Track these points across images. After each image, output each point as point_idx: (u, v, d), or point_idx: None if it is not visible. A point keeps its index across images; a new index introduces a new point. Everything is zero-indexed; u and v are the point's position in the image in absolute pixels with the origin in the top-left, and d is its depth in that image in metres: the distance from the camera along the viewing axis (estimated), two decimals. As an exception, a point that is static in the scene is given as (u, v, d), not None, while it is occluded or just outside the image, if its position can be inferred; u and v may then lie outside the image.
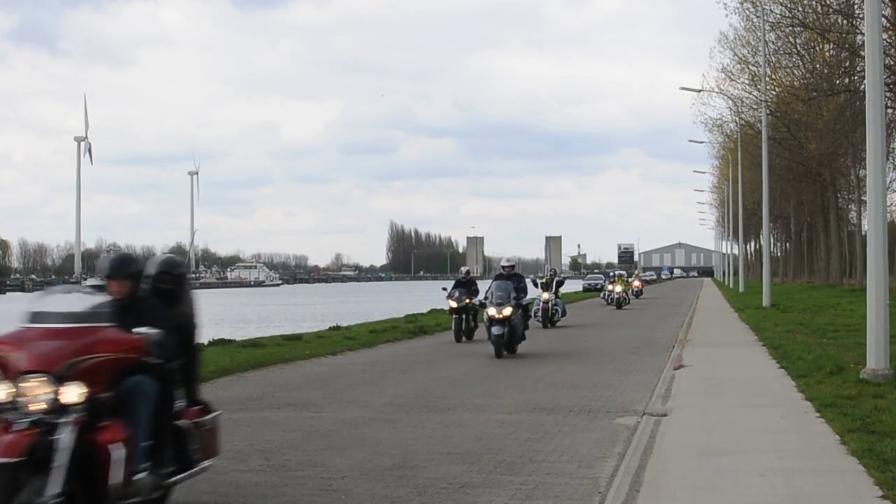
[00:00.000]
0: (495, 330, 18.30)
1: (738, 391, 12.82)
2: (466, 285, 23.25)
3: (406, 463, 8.62)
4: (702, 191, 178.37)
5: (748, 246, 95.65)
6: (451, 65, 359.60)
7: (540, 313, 27.87)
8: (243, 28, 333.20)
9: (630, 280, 61.33)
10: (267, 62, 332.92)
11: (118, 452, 5.60)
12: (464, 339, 22.64)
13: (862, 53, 21.05)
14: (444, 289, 23.95)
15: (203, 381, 14.69)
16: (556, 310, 28.46)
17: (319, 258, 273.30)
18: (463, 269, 25.22)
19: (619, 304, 40.36)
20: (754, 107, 44.76)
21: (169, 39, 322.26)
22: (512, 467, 8.39)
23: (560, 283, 29.67)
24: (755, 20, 38.65)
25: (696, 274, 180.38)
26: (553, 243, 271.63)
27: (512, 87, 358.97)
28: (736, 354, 18.27)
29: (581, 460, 8.67)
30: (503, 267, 20.88)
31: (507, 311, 18.41)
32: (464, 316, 22.74)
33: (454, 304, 22.79)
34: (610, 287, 43.27)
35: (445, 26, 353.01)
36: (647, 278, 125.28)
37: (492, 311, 18.44)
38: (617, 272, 53.54)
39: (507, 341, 18.45)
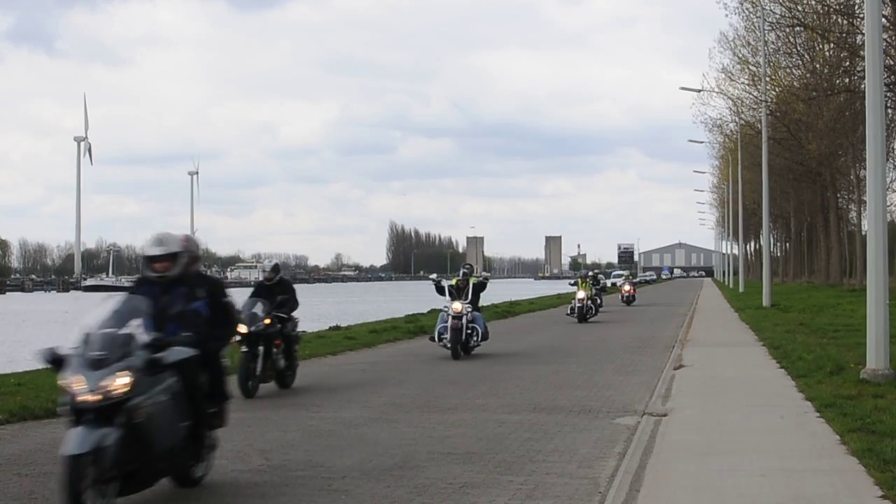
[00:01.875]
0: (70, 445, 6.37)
1: (738, 391, 12.82)
2: (272, 292, 14.03)
3: (406, 463, 8.62)
4: (702, 191, 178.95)
5: (748, 246, 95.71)
6: (448, 65, 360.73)
7: (448, 335, 18.40)
8: (240, 28, 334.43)
9: (620, 283, 52.28)
10: (264, 62, 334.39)
11: None
12: (272, 384, 13.80)
13: (862, 53, 21.06)
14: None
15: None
16: (474, 328, 18.80)
17: (319, 258, 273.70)
18: (266, 263, 14.50)
19: (583, 315, 30.95)
20: (754, 107, 44.80)
21: (166, 40, 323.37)
22: (512, 467, 8.39)
23: (480, 287, 19.54)
24: (755, 20, 38.68)
25: (696, 274, 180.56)
26: (553, 243, 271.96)
27: (509, 86, 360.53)
28: (736, 354, 18.25)
29: (581, 460, 8.67)
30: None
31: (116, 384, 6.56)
32: (261, 348, 13.25)
33: (242, 329, 12.38)
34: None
35: (442, 26, 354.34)
36: (648, 278, 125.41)
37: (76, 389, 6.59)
38: (584, 272, 39.81)
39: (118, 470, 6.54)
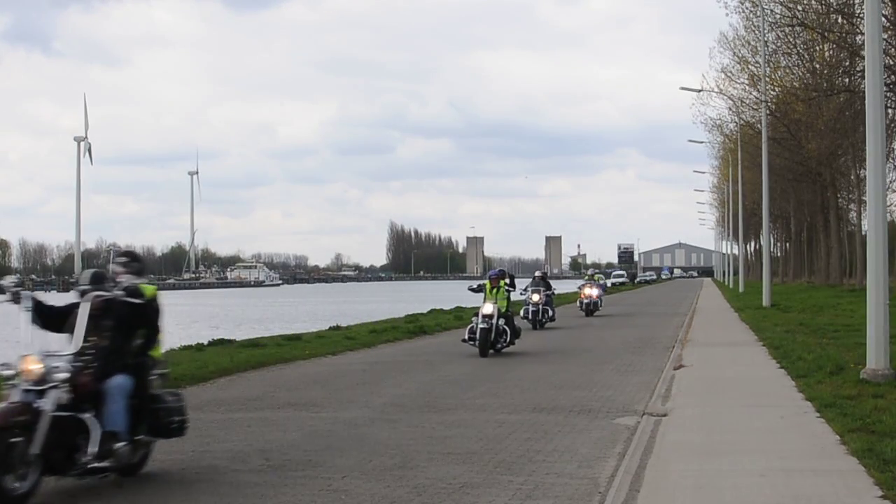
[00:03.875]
0: None
1: (738, 391, 12.82)
2: None
3: (406, 463, 8.62)
4: (702, 191, 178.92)
5: (748, 246, 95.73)
6: (445, 64, 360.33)
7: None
8: (236, 28, 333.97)
9: (581, 286, 37.02)
10: (261, 62, 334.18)
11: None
12: None
13: (862, 53, 21.05)
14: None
15: (203, 381, 14.79)
16: (87, 425, 7.29)
17: (319, 258, 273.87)
18: None
19: (489, 342, 18.68)
20: (754, 107, 44.83)
21: (163, 40, 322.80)
22: (512, 467, 8.39)
23: (139, 312, 7.91)
24: (755, 20, 38.69)
25: (695, 274, 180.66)
26: (553, 243, 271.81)
27: (507, 86, 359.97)
28: (736, 354, 18.26)
29: (581, 460, 8.67)
30: None
31: None
32: None
33: None
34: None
35: (439, 26, 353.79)
36: (648, 278, 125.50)
37: None
38: (494, 272, 20.54)
39: None
